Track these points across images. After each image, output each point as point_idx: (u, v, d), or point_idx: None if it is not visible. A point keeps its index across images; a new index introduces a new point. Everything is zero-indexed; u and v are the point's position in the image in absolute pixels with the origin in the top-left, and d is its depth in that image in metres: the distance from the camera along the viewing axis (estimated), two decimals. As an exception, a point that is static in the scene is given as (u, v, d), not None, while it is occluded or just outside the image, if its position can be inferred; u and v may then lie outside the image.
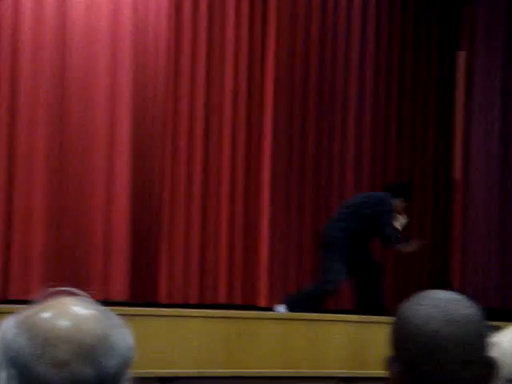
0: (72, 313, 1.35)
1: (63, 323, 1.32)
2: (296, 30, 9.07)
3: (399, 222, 7.79)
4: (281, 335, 6.93)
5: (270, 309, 8.04)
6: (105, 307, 1.42)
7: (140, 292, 8.39)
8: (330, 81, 9.18)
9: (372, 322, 7.25)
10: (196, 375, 6.58)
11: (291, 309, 7.59)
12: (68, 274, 8.04)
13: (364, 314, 7.61)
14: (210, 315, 6.91)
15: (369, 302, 7.90)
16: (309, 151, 9.11)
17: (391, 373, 1.54)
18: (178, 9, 8.53)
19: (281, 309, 7.66)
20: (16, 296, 7.56)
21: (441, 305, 1.48)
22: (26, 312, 1.38)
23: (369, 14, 9.40)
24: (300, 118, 9.08)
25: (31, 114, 7.93)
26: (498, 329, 1.74)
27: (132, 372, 1.37)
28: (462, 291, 8.03)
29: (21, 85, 7.92)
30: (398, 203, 7.85)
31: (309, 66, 9.12)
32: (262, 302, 8.53)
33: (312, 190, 9.12)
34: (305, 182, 9.07)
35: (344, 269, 7.66)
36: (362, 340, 7.17)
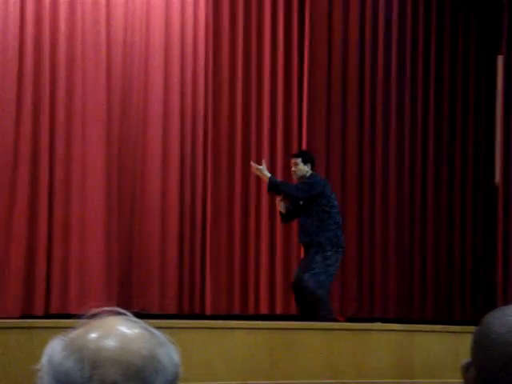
0: (118, 333, 1.35)
1: (110, 344, 1.32)
2: (334, 37, 9.09)
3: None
4: (325, 345, 6.89)
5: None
6: (149, 324, 1.42)
7: (186, 304, 8.47)
8: (370, 86, 9.16)
9: (417, 331, 7.18)
10: (241, 387, 6.57)
11: None
12: (116, 287, 8.14)
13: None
14: (253, 326, 6.90)
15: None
16: (350, 159, 9.08)
17: (466, 378, 1.55)
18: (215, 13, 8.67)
19: None
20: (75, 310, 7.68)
21: None
22: (72, 333, 1.38)
23: (407, 20, 9.37)
24: (340, 125, 9.06)
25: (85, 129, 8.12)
26: None
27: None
28: (504, 297, 7.99)
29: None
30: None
31: (347, 72, 9.12)
32: None
33: (355, 204, 9.09)
34: (347, 199, 9.03)
35: None
36: (407, 349, 7.11)
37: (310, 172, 7.43)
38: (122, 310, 1.44)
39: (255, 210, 8.72)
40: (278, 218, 8.65)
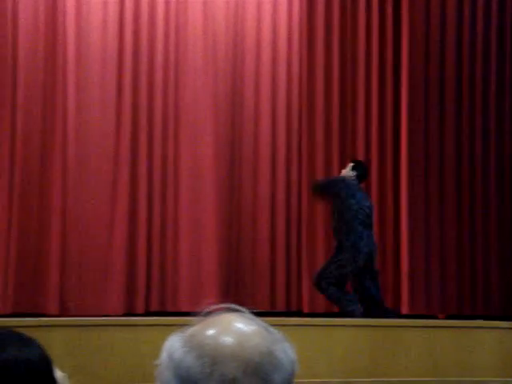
0: (236, 329, 1.36)
1: (229, 341, 1.33)
2: (430, 34, 8.96)
3: None
4: (426, 343, 6.80)
5: (413, 316, 7.93)
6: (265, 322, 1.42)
7: (282, 302, 8.47)
8: (468, 83, 9.00)
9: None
10: (342, 384, 6.54)
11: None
12: (215, 285, 8.22)
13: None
14: (354, 324, 6.86)
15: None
16: (448, 153, 8.94)
17: None
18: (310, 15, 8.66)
19: None
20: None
21: None
22: (190, 329, 1.39)
23: (507, 17, 9.17)
24: (437, 121, 8.93)
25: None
26: None
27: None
28: None
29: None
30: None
31: (444, 71, 8.97)
32: (404, 310, 8.44)
33: (455, 199, 8.93)
34: (446, 195, 8.90)
35: None
36: (512, 346, 6.95)
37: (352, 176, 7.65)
38: (238, 307, 1.45)
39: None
40: (376, 213, 8.62)
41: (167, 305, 8.07)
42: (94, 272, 7.93)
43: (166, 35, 8.37)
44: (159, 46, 8.33)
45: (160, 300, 8.10)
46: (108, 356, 6.20)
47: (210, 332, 1.35)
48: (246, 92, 8.61)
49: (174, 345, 1.35)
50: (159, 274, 8.13)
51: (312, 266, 8.46)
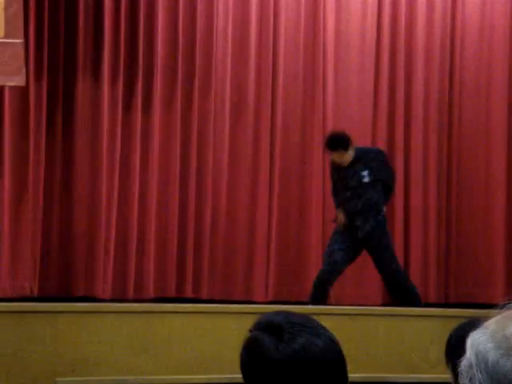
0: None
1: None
2: None
3: None
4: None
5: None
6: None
7: None
8: None
9: None
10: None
11: None
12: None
13: None
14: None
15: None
16: None
17: None
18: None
19: None
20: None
21: None
22: (495, 325, 1.32)
23: None
24: None
25: None
26: None
27: None
28: None
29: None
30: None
31: None
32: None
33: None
34: None
35: None
36: None
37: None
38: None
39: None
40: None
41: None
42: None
43: (429, 24, 8.27)
44: (419, 33, 8.25)
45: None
46: (371, 344, 6.22)
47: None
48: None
49: (486, 345, 1.27)
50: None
51: None
